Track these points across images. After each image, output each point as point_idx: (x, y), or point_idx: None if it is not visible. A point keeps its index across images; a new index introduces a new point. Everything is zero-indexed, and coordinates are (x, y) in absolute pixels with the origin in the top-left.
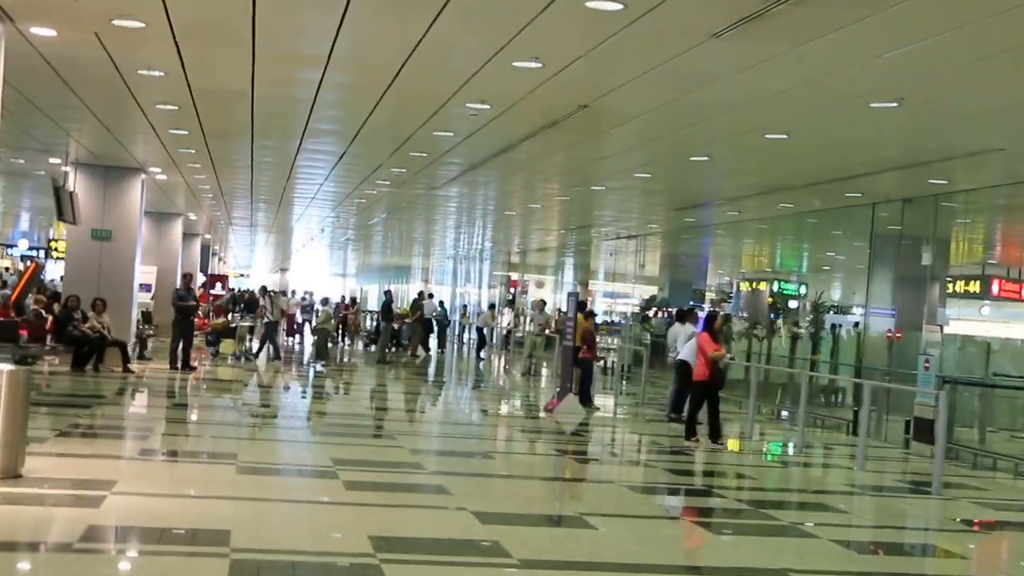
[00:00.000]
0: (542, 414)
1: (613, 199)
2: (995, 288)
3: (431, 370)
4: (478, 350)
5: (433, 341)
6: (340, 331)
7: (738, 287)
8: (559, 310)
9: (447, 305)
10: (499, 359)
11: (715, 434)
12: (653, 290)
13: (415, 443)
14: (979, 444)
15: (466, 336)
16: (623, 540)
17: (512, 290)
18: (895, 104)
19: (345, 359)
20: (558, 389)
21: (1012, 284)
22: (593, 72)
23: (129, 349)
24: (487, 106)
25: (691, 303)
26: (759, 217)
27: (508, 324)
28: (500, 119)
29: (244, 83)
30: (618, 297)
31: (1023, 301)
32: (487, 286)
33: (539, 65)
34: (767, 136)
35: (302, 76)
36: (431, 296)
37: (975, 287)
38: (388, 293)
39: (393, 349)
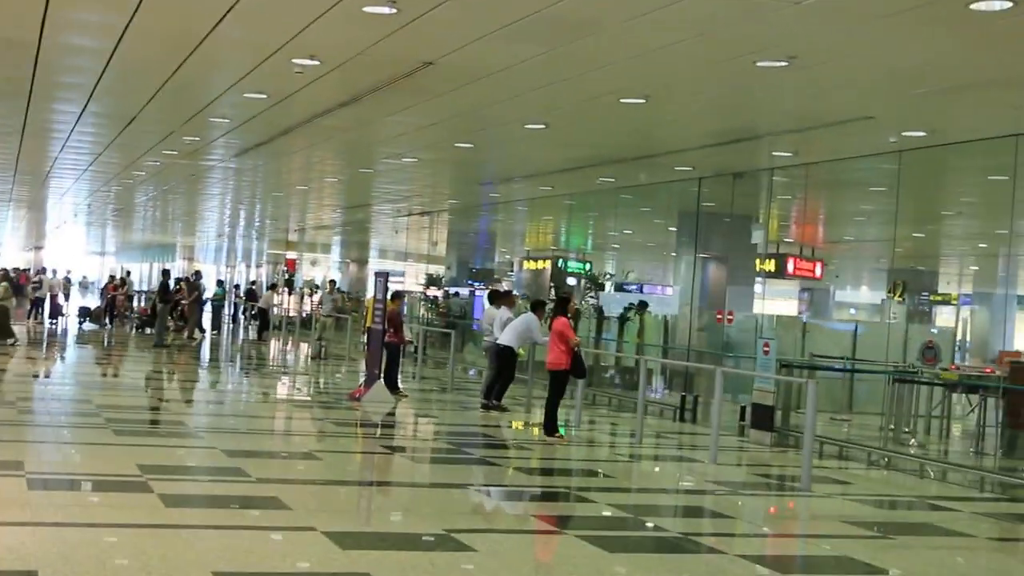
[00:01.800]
0: (349, 402)
1: (418, 173)
2: (791, 267)
3: (217, 354)
4: (260, 332)
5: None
6: (108, 313)
7: (520, 265)
8: (339, 290)
9: (218, 283)
10: (282, 341)
11: (548, 426)
12: (437, 269)
13: (225, 442)
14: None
15: (240, 317)
16: (514, 566)
17: (288, 270)
18: (785, 63)
19: (113, 343)
20: (364, 376)
21: (806, 262)
22: (448, 23)
23: None
24: (316, 62)
25: (469, 282)
26: (569, 193)
27: (289, 305)
28: (330, 76)
29: (31, 33)
30: (394, 276)
31: (817, 279)
32: (264, 265)
33: (393, 11)
34: (623, 100)
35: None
36: (198, 275)
37: (770, 266)
38: (166, 272)
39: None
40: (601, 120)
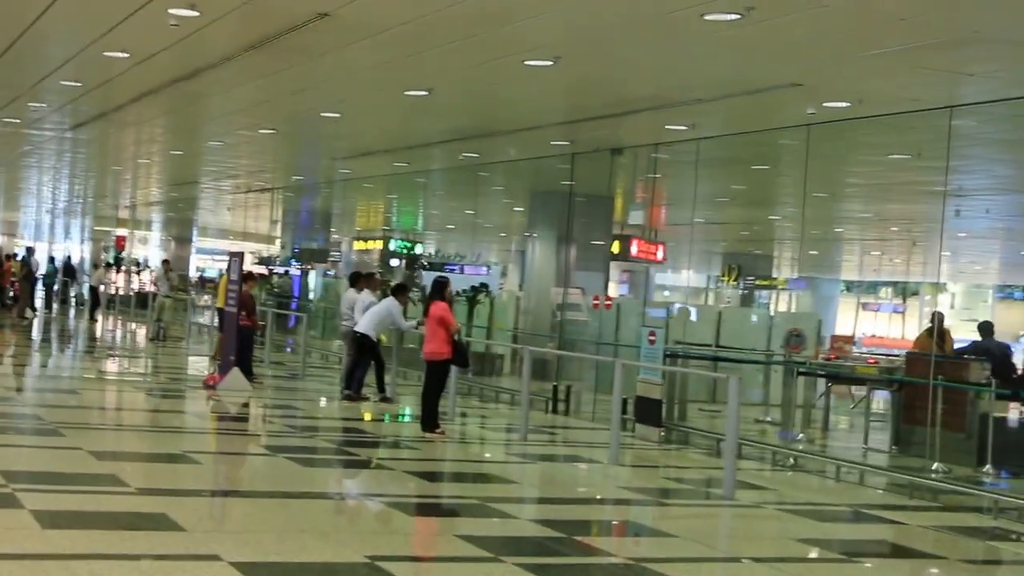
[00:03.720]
0: (205, 390)
1: (270, 146)
2: (634, 249)
3: (54, 336)
4: (91, 311)
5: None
6: None
7: (350, 246)
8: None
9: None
10: (115, 321)
11: (428, 421)
12: (264, 248)
13: (89, 441)
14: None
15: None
16: None
17: (119, 248)
18: (739, 16)
19: None
20: (219, 362)
21: (648, 245)
22: None
23: None
24: (195, 12)
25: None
26: (423, 170)
27: (119, 283)
28: (213, 28)
29: None
30: (216, 255)
31: (658, 262)
32: (89, 242)
33: None
34: (529, 63)
35: None
36: (30, 252)
37: (616, 248)
38: (31, 250)
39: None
40: (493, 86)
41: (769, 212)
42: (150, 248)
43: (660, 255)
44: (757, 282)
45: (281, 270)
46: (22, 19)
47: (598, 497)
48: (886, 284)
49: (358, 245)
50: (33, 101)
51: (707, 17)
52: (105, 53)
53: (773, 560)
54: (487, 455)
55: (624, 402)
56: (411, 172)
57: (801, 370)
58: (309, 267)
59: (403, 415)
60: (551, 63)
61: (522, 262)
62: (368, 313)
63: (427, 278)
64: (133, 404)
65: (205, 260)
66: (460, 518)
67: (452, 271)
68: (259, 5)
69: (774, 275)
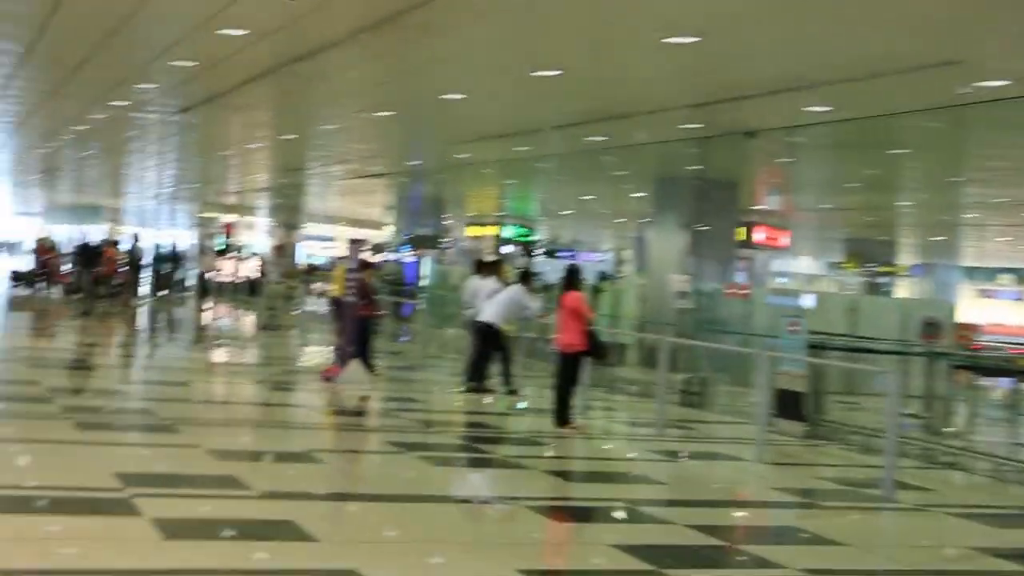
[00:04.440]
0: (323, 383)
1: (386, 130)
2: (760, 235)
3: (158, 324)
4: (199, 299)
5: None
6: (43, 278)
7: (463, 231)
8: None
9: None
10: (224, 309)
11: (561, 415)
12: (372, 234)
13: (206, 438)
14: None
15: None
16: None
17: (227, 235)
18: None
19: (50, 311)
20: (337, 352)
21: (774, 231)
22: None
23: None
24: None
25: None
26: (544, 155)
27: (229, 270)
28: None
29: None
30: (327, 240)
31: (782, 249)
32: (195, 228)
33: None
34: (668, 40)
35: None
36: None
37: (743, 234)
38: (137, 237)
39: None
40: (626, 65)
41: (895, 198)
42: (257, 235)
43: (784, 241)
44: (879, 269)
45: (393, 257)
46: None
47: (752, 499)
48: (1006, 271)
49: (471, 231)
50: (142, 83)
51: None
52: (220, 31)
53: (961, 573)
54: (625, 452)
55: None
56: (531, 157)
57: (957, 363)
58: (423, 254)
59: (532, 409)
60: (693, 40)
61: (640, 249)
62: (494, 301)
63: (540, 265)
64: (248, 397)
65: (313, 247)
66: (610, 524)
67: (566, 257)
68: None
69: (895, 262)
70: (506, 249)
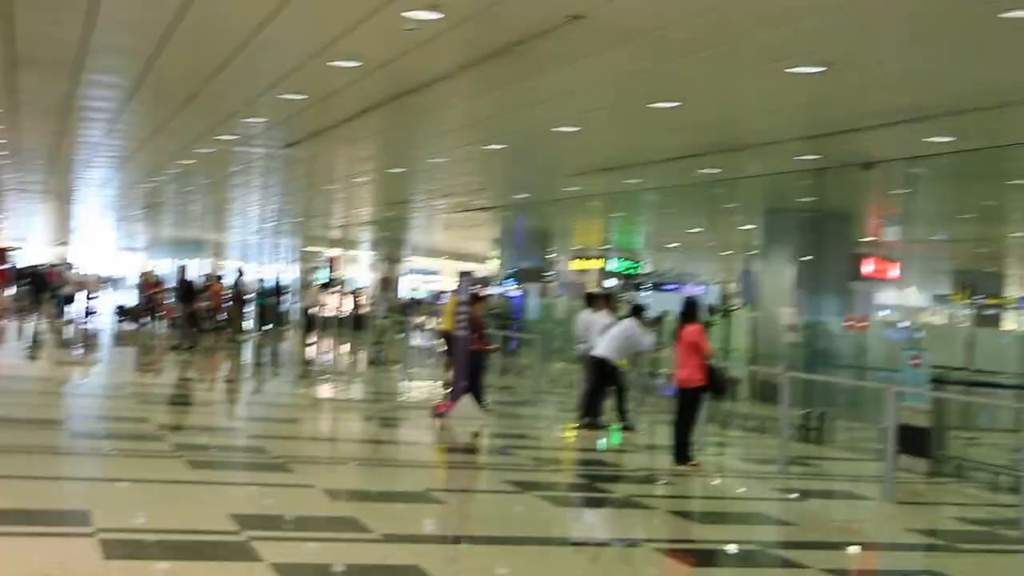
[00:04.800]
0: (435, 418)
1: (494, 164)
2: (870, 267)
3: (264, 358)
4: (305, 333)
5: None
6: (147, 312)
7: (567, 264)
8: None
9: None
10: (330, 343)
11: (681, 453)
12: (475, 267)
13: (321, 477)
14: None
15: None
16: None
17: (331, 268)
18: None
19: (155, 346)
20: (449, 388)
21: (884, 263)
22: None
23: None
24: (437, 15)
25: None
26: (654, 187)
27: (334, 304)
28: (452, 33)
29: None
30: (429, 274)
31: (888, 280)
32: (297, 262)
33: None
34: (792, 70)
35: None
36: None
37: (855, 266)
38: (241, 272)
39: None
40: (748, 97)
41: (1008, 228)
42: (360, 268)
43: (895, 273)
44: (987, 300)
45: (498, 290)
46: (246, 27)
47: (885, 540)
48: None
49: (576, 264)
50: (249, 117)
51: (1007, 15)
52: (332, 63)
53: None
54: (749, 491)
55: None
56: (640, 189)
57: None
58: (527, 287)
59: (648, 445)
60: (819, 70)
61: (747, 281)
62: (607, 336)
63: (645, 298)
64: (359, 434)
65: (416, 280)
66: (747, 568)
67: (671, 290)
68: (507, 6)
69: (1003, 294)
70: (610, 282)
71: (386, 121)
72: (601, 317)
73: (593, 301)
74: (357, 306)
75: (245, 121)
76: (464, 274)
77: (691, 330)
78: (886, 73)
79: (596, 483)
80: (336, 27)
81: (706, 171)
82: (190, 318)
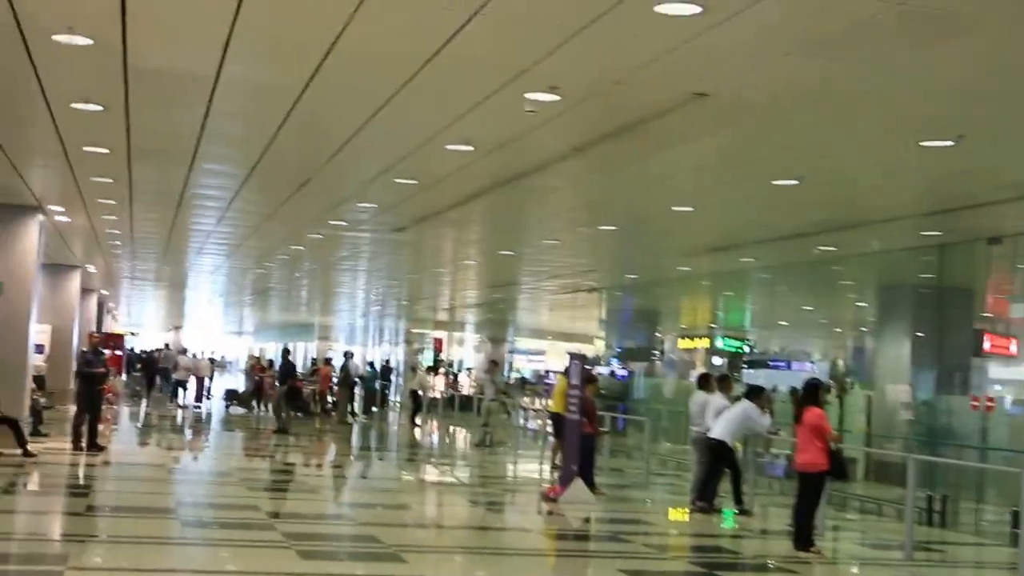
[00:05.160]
0: (546, 503)
1: (604, 244)
2: (987, 344)
3: (372, 441)
4: (412, 416)
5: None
6: (256, 397)
7: (674, 343)
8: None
9: (370, 365)
10: (437, 426)
11: (803, 539)
12: (579, 347)
13: (435, 567)
14: None
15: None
16: None
17: (437, 351)
18: None
19: (264, 430)
20: (559, 472)
21: (1000, 339)
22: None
23: (22, 424)
24: (556, 97)
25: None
26: (767, 265)
27: (440, 386)
28: (570, 114)
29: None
30: (532, 355)
31: (1012, 357)
32: (403, 344)
33: (698, 11)
34: (926, 143)
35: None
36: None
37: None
38: (286, 352)
39: (297, 415)
40: (873, 172)
41: None
42: (465, 349)
43: (1013, 349)
44: None
45: (606, 370)
46: (360, 114)
47: None
48: None
49: (682, 344)
50: (360, 202)
51: None
52: (448, 146)
53: None
54: None
55: (1015, 515)
56: (752, 268)
57: None
58: (633, 367)
59: (765, 529)
60: (951, 143)
61: (859, 359)
62: (723, 418)
63: (750, 376)
64: (469, 519)
65: (520, 360)
66: None
67: (778, 367)
68: (629, 87)
69: None
70: (717, 361)
71: (496, 204)
72: (716, 398)
73: (707, 382)
74: (463, 387)
75: (355, 207)
76: (575, 356)
77: (814, 413)
78: (1017, 145)
79: (715, 571)
80: (452, 111)
81: (822, 249)
82: (288, 400)
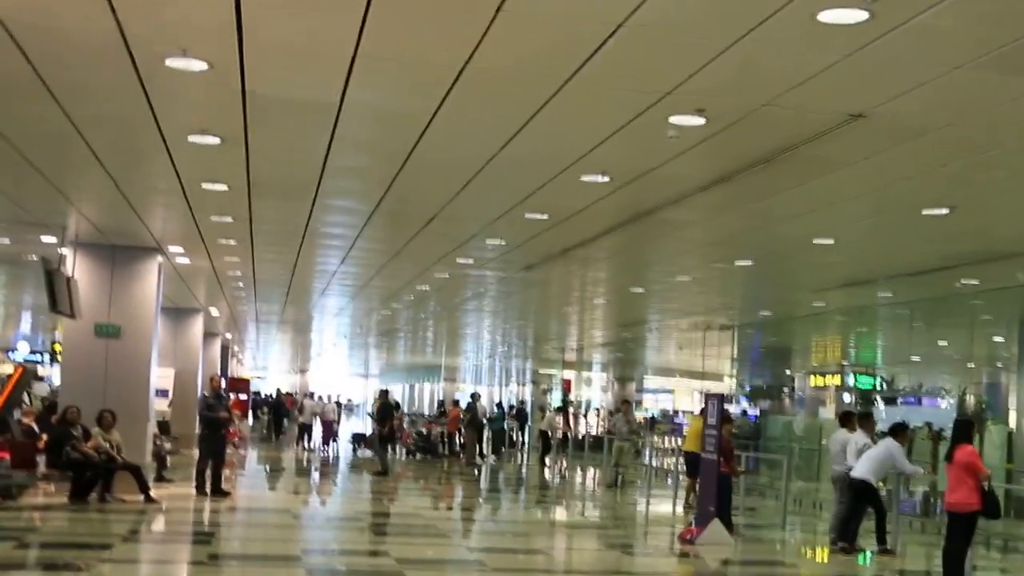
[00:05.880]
0: (683, 545)
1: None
2: None
3: (500, 483)
4: (542, 457)
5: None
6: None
7: (805, 380)
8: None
9: (498, 406)
10: (567, 466)
11: None
12: (708, 385)
13: None
14: None
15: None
16: None
17: (566, 391)
18: None
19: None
20: (694, 513)
21: None
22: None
23: (145, 471)
24: (701, 120)
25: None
26: (905, 301)
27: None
28: (714, 140)
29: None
30: (659, 393)
31: None
32: (532, 384)
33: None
34: None
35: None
36: (475, 397)
37: None
38: (384, 394)
39: (427, 456)
40: None
41: None
42: (594, 389)
43: None
44: None
45: (738, 409)
46: (491, 143)
47: None
48: None
49: (813, 381)
50: (489, 238)
51: None
52: (583, 177)
53: None
54: None
55: None
56: (890, 303)
57: None
58: (764, 405)
59: (907, 570)
60: None
61: (994, 394)
62: (865, 457)
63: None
64: (606, 564)
65: (649, 399)
66: None
67: (909, 404)
68: (781, 108)
69: None
70: (847, 397)
71: (629, 239)
72: (857, 437)
73: (848, 420)
74: (594, 428)
75: (483, 244)
76: (712, 395)
77: (966, 451)
78: None
79: None
80: (590, 138)
81: (964, 282)
82: (381, 442)
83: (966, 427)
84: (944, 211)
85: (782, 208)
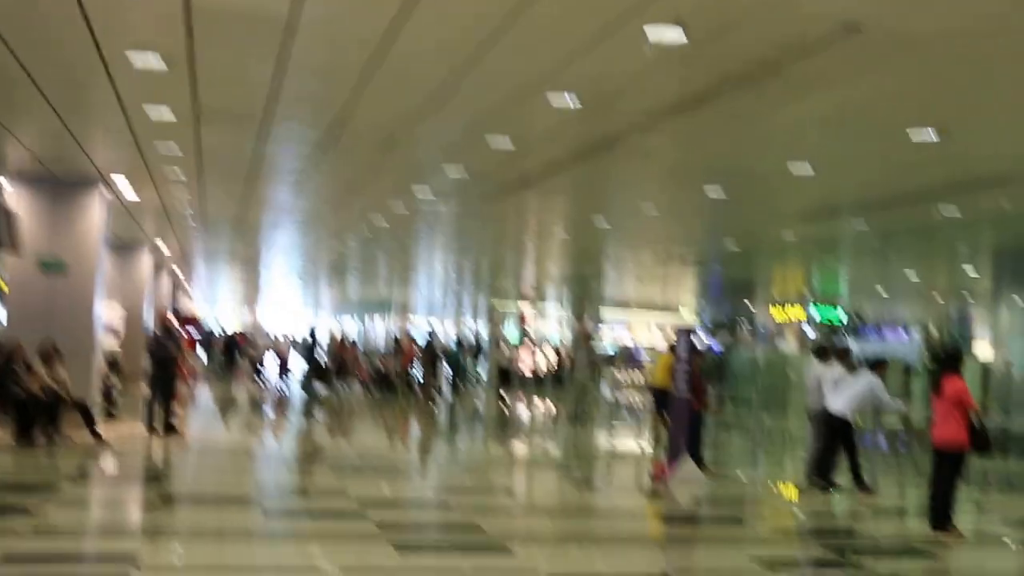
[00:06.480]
0: (655, 485)
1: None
2: None
3: (459, 420)
4: (500, 392)
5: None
6: (338, 375)
7: (765, 313)
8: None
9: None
10: (527, 402)
11: (941, 519)
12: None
13: (546, 558)
14: None
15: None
16: None
17: (523, 324)
18: None
19: (348, 410)
20: (667, 451)
21: None
22: None
23: (93, 408)
24: (680, 33)
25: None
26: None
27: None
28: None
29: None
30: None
31: None
32: (486, 319)
33: None
34: None
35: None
36: (432, 335)
37: None
38: (433, 333)
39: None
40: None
41: None
42: (551, 323)
43: None
44: None
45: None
46: (454, 56)
47: None
48: None
49: (774, 313)
50: (447, 165)
51: None
52: (550, 95)
53: None
54: None
55: None
56: (863, 235)
57: None
58: (724, 339)
59: (889, 509)
60: None
61: (963, 326)
62: (844, 392)
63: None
64: (575, 503)
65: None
66: None
67: (872, 336)
68: (765, 10)
69: None
70: (809, 330)
71: (595, 168)
72: (834, 371)
73: (824, 354)
74: (553, 362)
75: (440, 175)
76: (683, 330)
77: (954, 384)
78: None
79: (856, 556)
80: (559, 51)
81: (944, 213)
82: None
83: (955, 358)
84: (931, 132)
85: (757, 132)
